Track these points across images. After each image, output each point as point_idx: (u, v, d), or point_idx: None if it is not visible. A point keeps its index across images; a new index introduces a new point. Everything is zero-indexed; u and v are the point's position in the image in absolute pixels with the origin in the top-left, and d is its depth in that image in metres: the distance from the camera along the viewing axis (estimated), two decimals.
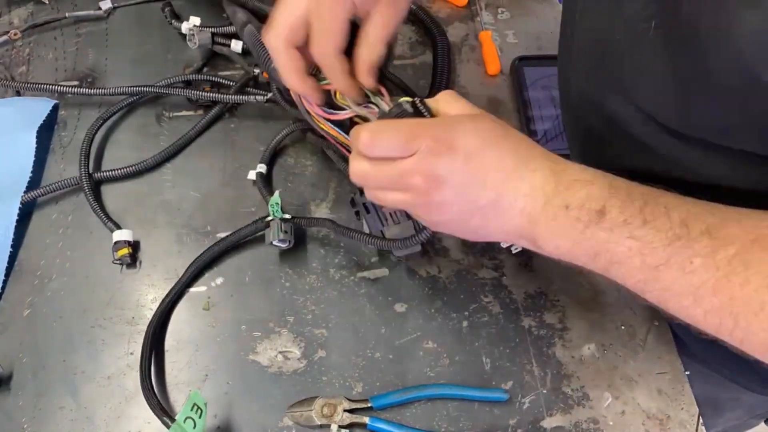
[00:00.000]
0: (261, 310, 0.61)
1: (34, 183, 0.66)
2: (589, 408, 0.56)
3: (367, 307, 0.61)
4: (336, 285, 0.62)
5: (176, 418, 0.49)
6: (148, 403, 0.53)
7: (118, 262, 0.62)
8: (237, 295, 0.61)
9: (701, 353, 0.62)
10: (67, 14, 0.79)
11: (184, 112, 0.73)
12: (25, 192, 0.65)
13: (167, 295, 0.60)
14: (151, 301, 0.61)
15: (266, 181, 0.67)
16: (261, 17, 0.70)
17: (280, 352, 0.59)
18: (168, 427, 0.51)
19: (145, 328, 0.59)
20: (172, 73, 0.73)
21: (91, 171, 0.66)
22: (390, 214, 0.57)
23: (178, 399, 0.56)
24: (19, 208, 0.64)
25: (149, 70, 0.75)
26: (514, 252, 0.62)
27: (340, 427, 0.54)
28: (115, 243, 0.62)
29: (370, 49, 0.48)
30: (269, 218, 0.61)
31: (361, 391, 0.57)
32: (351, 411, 0.55)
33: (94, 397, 0.56)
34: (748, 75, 0.35)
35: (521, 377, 0.57)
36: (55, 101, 0.72)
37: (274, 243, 0.60)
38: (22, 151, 0.68)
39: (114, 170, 0.67)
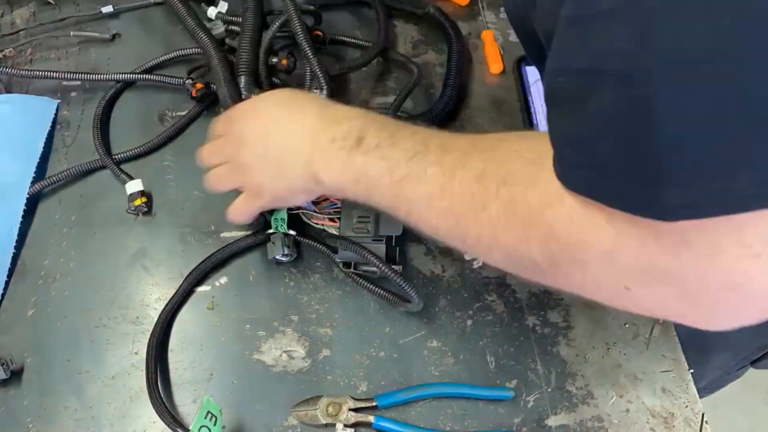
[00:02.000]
0: (265, 309, 0.61)
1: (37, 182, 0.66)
2: (594, 406, 0.56)
3: (372, 306, 0.61)
4: (340, 284, 0.62)
5: (190, 428, 0.49)
6: (159, 416, 0.53)
7: (133, 212, 0.64)
8: (241, 294, 0.61)
9: None
10: (72, 33, 0.78)
11: (187, 111, 0.72)
12: (30, 185, 0.65)
13: (168, 303, 0.59)
14: (155, 300, 0.61)
15: None
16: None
17: (285, 351, 0.59)
18: None
19: (150, 327, 0.59)
20: (175, 73, 0.73)
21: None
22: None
23: (183, 399, 0.56)
24: (23, 209, 0.64)
25: None
26: (475, 267, 0.62)
27: (345, 426, 0.54)
28: (130, 195, 0.65)
29: None
30: (271, 231, 0.61)
31: (365, 390, 0.57)
32: (356, 410, 0.55)
33: (99, 397, 0.56)
34: None
35: (526, 376, 0.57)
36: (57, 100, 0.72)
37: (277, 258, 0.60)
38: (26, 151, 0.68)
39: (121, 153, 0.69)
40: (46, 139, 0.69)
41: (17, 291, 0.61)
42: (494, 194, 0.37)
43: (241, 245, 0.62)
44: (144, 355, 0.58)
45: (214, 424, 0.49)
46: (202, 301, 0.61)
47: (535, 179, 0.35)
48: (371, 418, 0.54)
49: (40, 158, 0.67)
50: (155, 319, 0.59)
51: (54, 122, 0.71)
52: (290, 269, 0.63)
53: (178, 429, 0.51)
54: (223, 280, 0.62)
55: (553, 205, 0.34)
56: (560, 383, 0.57)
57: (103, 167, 0.68)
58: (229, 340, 0.59)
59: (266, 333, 0.59)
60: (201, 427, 0.48)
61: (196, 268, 0.61)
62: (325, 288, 0.62)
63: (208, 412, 0.49)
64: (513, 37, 0.80)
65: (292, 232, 0.61)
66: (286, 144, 0.51)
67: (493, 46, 0.78)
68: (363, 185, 0.46)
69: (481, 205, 0.38)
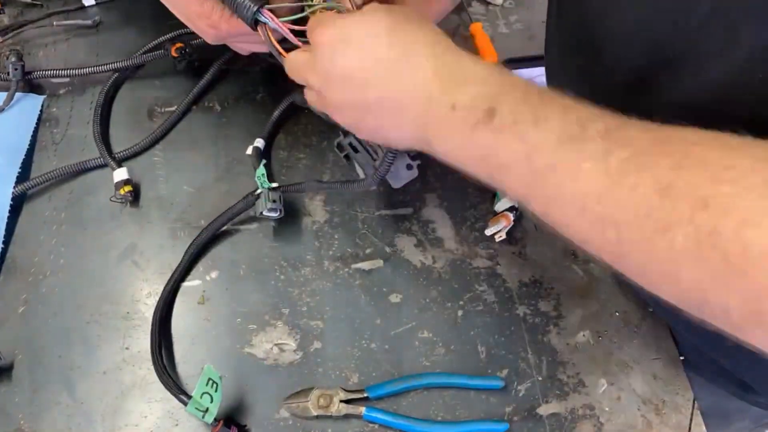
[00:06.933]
0: (256, 302, 0.61)
1: (22, 180, 0.66)
2: (585, 394, 0.56)
3: (362, 298, 0.61)
4: (331, 277, 0.62)
5: (192, 395, 0.50)
6: (163, 383, 0.53)
7: (119, 200, 0.64)
8: (232, 288, 0.61)
9: (707, 369, 0.60)
10: (55, 23, 0.78)
11: (176, 107, 0.72)
12: (15, 184, 0.65)
13: (170, 279, 0.60)
14: (146, 296, 0.61)
15: (261, 158, 0.67)
16: None
17: (276, 345, 0.59)
18: (185, 404, 0.51)
19: (140, 322, 0.59)
20: (164, 65, 0.73)
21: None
22: (379, 147, 0.57)
23: None
24: (11, 205, 0.64)
25: None
26: (498, 240, 0.63)
27: (337, 417, 0.54)
28: (116, 183, 0.65)
29: None
30: (258, 191, 0.62)
31: (357, 381, 0.57)
32: (347, 401, 0.55)
33: (90, 392, 0.56)
34: None
35: (516, 365, 0.58)
36: (43, 96, 0.72)
37: (265, 213, 0.61)
38: (11, 147, 0.68)
39: (118, 152, 0.69)
40: (32, 135, 0.69)
41: (7, 288, 0.61)
42: (686, 218, 0.28)
43: (236, 209, 0.63)
44: (135, 350, 0.58)
45: (215, 391, 0.50)
46: (192, 296, 0.61)
47: (764, 214, 0.26)
48: (362, 409, 0.54)
49: (25, 155, 0.67)
50: (145, 314, 0.59)
51: (39, 118, 0.71)
52: (280, 262, 0.63)
53: (181, 395, 0.52)
54: (214, 274, 0.62)
55: None
56: (551, 372, 0.57)
57: (99, 166, 0.68)
58: (220, 334, 0.59)
59: (257, 326, 0.59)
60: (203, 393, 0.50)
61: (196, 238, 0.62)
62: (316, 280, 0.62)
63: (209, 378, 0.50)
64: (502, 28, 0.80)
65: (274, 185, 0.62)
66: (391, 99, 0.40)
67: (483, 38, 0.78)
68: (489, 167, 0.37)
69: (662, 226, 0.29)
